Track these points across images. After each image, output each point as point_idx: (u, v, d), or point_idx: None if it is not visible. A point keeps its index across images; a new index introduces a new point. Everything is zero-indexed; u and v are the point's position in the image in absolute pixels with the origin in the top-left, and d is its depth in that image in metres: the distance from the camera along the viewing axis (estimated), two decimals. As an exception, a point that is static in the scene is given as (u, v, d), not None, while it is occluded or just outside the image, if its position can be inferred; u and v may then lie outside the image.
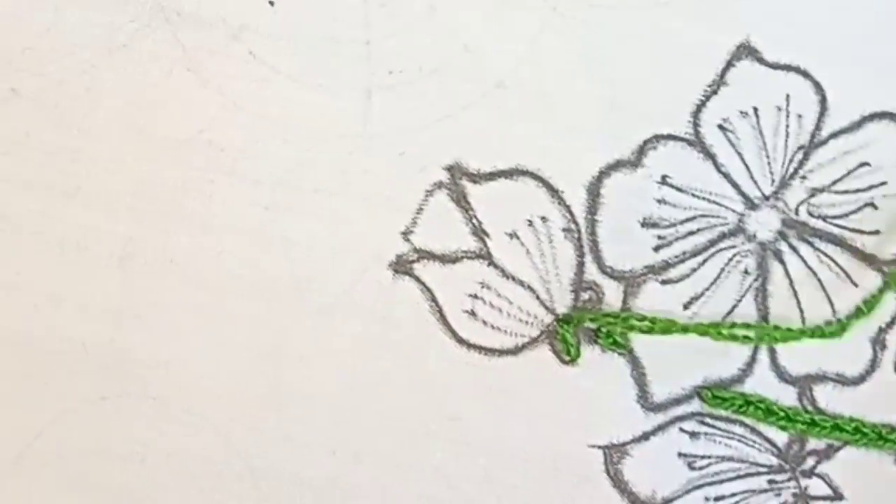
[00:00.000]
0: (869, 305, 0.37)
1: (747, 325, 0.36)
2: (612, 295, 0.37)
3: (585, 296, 0.37)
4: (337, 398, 0.37)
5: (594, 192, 0.37)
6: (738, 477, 0.38)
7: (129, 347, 0.37)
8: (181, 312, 0.37)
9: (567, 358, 0.37)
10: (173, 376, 0.37)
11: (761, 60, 0.37)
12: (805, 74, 0.37)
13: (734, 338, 0.36)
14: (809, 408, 0.38)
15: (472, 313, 0.37)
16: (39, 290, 0.36)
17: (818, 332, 0.37)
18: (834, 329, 0.37)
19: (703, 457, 0.38)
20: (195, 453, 0.37)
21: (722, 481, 0.38)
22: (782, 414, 0.38)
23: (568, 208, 0.37)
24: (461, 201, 0.36)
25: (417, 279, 0.37)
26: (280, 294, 0.36)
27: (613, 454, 0.38)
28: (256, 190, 0.36)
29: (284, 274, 0.36)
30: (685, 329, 0.36)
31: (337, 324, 0.37)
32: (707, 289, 0.37)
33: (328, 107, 0.36)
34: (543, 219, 0.37)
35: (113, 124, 0.36)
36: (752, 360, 0.38)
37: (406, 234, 0.36)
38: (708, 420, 0.38)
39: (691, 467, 0.38)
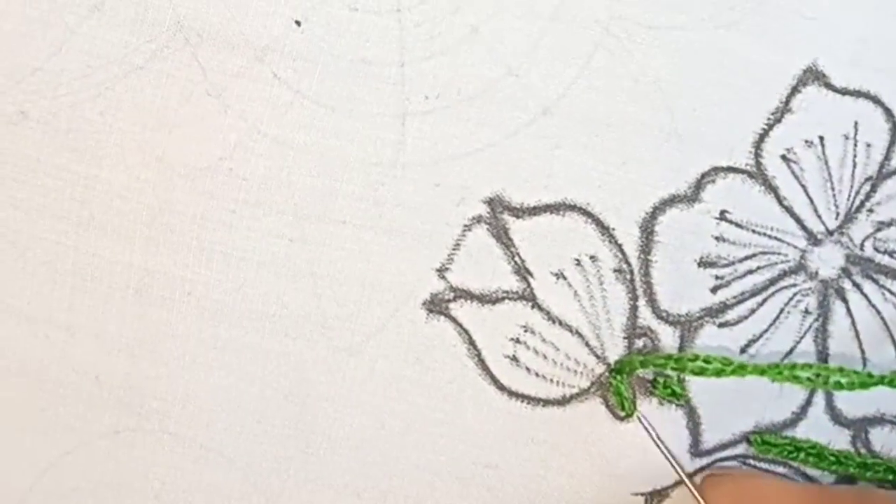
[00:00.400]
0: None
1: (808, 366, 0.34)
2: (668, 341, 0.35)
3: (640, 343, 0.35)
4: (365, 440, 0.35)
5: (648, 229, 0.34)
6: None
7: (144, 381, 0.35)
8: (199, 346, 0.35)
9: (622, 413, 0.34)
10: (191, 411, 0.35)
11: (829, 86, 0.34)
12: (875, 100, 0.35)
13: (794, 378, 0.33)
14: (863, 451, 0.36)
15: (514, 359, 0.35)
16: (52, 321, 0.35)
17: (880, 380, 0.34)
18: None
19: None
20: (212, 490, 0.36)
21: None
22: (833, 458, 0.36)
23: (619, 247, 0.34)
24: (502, 237, 0.34)
25: (454, 320, 0.34)
26: (306, 331, 0.35)
27: (654, 498, 0.36)
28: (281, 221, 0.34)
29: (311, 310, 0.34)
30: (742, 368, 0.33)
31: (367, 364, 0.35)
32: (765, 330, 0.35)
33: (358, 133, 0.33)
34: (593, 258, 0.34)
35: (128, 150, 0.33)
36: (808, 403, 0.36)
37: (442, 272, 0.34)
38: (751, 462, 0.36)
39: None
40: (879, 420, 0.36)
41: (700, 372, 0.33)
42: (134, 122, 0.33)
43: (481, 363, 0.35)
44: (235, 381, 0.35)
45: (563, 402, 0.35)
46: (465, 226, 0.34)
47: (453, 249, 0.34)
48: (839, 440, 0.36)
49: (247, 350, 0.35)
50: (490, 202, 0.34)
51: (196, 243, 0.34)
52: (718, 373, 0.33)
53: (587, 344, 0.35)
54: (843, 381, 0.34)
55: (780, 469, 0.36)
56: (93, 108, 0.33)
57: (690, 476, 0.35)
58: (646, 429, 0.34)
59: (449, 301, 0.34)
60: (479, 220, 0.34)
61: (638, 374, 0.34)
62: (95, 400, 0.35)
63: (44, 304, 0.34)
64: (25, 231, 0.34)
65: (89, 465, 0.36)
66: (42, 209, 0.34)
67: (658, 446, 0.34)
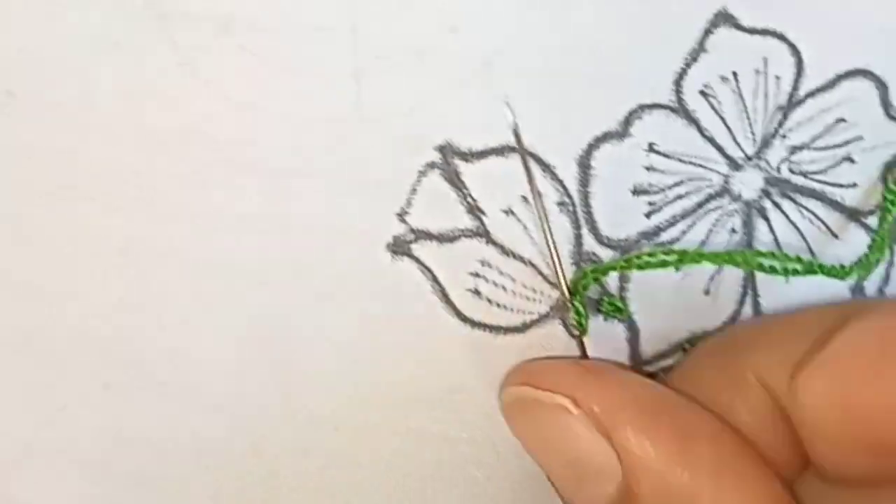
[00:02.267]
0: (878, 244, 0.37)
1: (773, 255, 0.36)
2: (611, 263, 0.38)
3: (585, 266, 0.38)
4: (339, 376, 0.38)
5: (585, 164, 0.37)
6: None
7: (132, 337, 0.37)
8: (184, 301, 0.37)
9: (577, 332, 0.37)
10: (178, 362, 0.37)
11: (738, 26, 0.38)
12: (781, 37, 0.38)
13: (760, 267, 0.36)
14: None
15: (476, 292, 0.37)
16: (43, 286, 0.37)
17: (833, 271, 0.37)
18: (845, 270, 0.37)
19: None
20: (201, 434, 0.38)
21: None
22: None
23: (560, 182, 0.37)
24: (455, 180, 0.37)
25: (416, 259, 0.37)
26: (281, 280, 0.37)
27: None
28: (252, 179, 0.36)
29: (284, 259, 0.37)
30: (685, 256, 0.36)
31: (338, 305, 0.37)
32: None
33: (318, 93, 0.36)
34: (538, 193, 0.37)
35: (109, 122, 0.36)
36: (737, 314, 0.39)
37: (402, 216, 0.37)
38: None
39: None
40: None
41: (646, 266, 0.36)
42: (113, 95, 0.35)
43: (445, 297, 0.37)
44: (218, 331, 0.37)
45: (522, 328, 0.38)
46: (420, 172, 0.37)
47: (411, 194, 0.37)
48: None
49: (227, 301, 0.37)
50: (441, 149, 0.37)
51: (176, 204, 0.36)
52: (693, 260, 0.36)
53: (540, 272, 0.38)
54: (799, 267, 0.36)
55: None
56: (74, 85, 0.35)
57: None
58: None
59: (411, 242, 0.37)
60: (432, 165, 0.37)
61: (587, 295, 0.38)
62: (86, 356, 0.37)
63: (34, 271, 0.37)
64: (15, 201, 0.36)
65: (83, 421, 0.38)
66: (30, 181, 0.36)
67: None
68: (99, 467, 0.38)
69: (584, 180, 0.37)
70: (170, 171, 0.36)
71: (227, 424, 0.38)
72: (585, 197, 0.37)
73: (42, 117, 0.36)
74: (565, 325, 0.38)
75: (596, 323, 0.38)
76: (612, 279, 0.38)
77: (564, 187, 0.37)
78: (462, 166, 0.37)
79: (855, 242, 0.39)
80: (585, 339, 0.38)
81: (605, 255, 0.38)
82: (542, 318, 0.38)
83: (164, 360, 0.38)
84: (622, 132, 0.37)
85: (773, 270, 0.36)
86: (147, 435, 0.38)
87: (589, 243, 0.38)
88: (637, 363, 0.39)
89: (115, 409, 0.38)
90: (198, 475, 0.39)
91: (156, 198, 0.36)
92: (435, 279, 0.37)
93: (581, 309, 0.37)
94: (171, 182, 0.36)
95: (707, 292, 0.39)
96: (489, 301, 0.38)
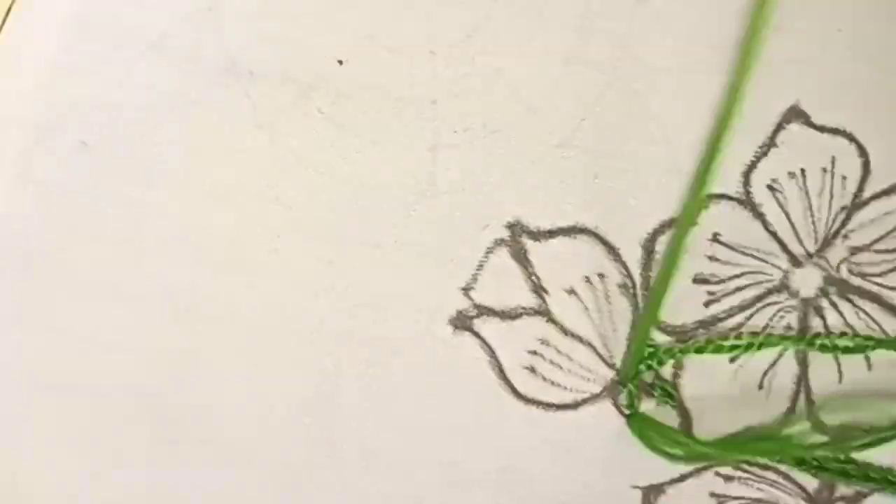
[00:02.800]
0: None
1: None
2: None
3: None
4: (394, 449, 0.38)
5: (649, 248, 0.37)
6: (767, 518, 0.40)
7: (184, 394, 0.37)
8: (238, 362, 0.37)
9: (628, 412, 0.37)
10: (231, 423, 0.38)
11: (809, 123, 0.38)
12: (850, 138, 0.38)
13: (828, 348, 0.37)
14: (841, 457, 0.39)
15: (532, 369, 0.37)
16: (100, 339, 0.37)
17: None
18: None
19: (734, 497, 0.39)
20: (245, 497, 0.38)
21: (750, 522, 0.40)
22: (815, 462, 0.39)
23: (624, 264, 0.37)
24: (521, 258, 0.37)
25: (477, 335, 0.37)
26: (338, 347, 0.37)
27: (651, 494, 0.39)
28: (321, 245, 0.37)
29: (346, 327, 0.37)
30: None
31: (396, 377, 0.37)
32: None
33: (394, 163, 0.36)
34: (601, 275, 0.37)
35: (181, 179, 0.36)
36: (791, 410, 0.39)
37: (466, 290, 0.37)
38: (743, 465, 0.39)
39: (722, 505, 0.39)
40: (854, 428, 0.39)
41: (700, 350, 0.37)
42: (187, 151, 0.36)
43: (502, 374, 0.37)
44: (273, 394, 0.37)
45: (574, 405, 0.38)
46: (489, 248, 0.37)
47: (477, 270, 0.37)
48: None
49: (284, 365, 0.37)
50: (511, 226, 0.37)
51: (241, 265, 0.36)
52: (718, 349, 0.37)
53: (597, 353, 0.38)
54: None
55: (769, 473, 0.40)
56: (150, 140, 0.36)
57: (685, 477, 0.39)
58: None
59: (473, 317, 0.37)
60: (500, 242, 0.37)
61: (641, 379, 0.37)
62: (140, 413, 0.37)
63: (94, 321, 0.37)
64: (81, 252, 0.36)
65: (131, 477, 0.38)
66: (97, 231, 0.36)
67: None
68: None
69: (647, 264, 0.37)
70: (238, 230, 0.36)
71: (277, 493, 0.38)
72: (647, 280, 0.37)
73: (113, 170, 0.36)
74: (616, 406, 0.38)
75: (647, 406, 0.38)
76: (666, 366, 0.38)
77: (627, 269, 0.37)
78: (529, 245, 0.37)
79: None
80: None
81: (662, 340, 0.38)
82: (594, 397, 0.38)
83: (211, 420, 0.38)
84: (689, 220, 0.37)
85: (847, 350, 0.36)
86: (194, 496, 0.38)
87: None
88: (693, 453, 0.39)
89: (163, 468, 0.38)
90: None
91: (220, 258, 0.36)
92: (493, 355, 0.37)
93: (633, 390, 0.37)
94: (240, 243, 0.36)
95: (761, 386, 0.39)
96: (544, 379, 0.38)
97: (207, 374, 0.37)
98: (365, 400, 0.37)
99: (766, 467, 0.39)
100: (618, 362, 0.38)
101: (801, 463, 0.39)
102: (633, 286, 0.38)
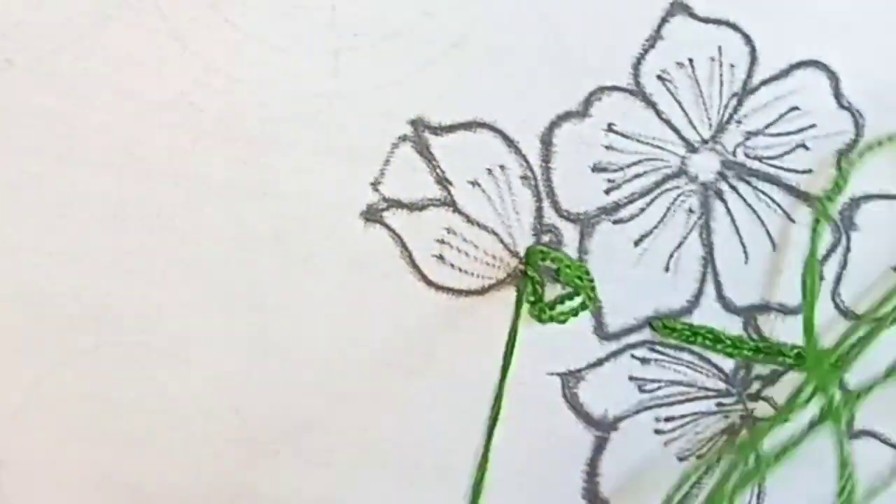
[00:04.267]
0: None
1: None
2: (569, 236, 0.40)
3: (545, 238, 0.40)
4: (318, 341, 0.40)
5: (547, 141, 0.39)
6: (687, 400, 0.41)
7: (121, 299, 0.39)
8: (169, 265, 0.39)
9: (532, 299, 0.39)
10: (163, 325, 0.40)
11: (693, 15, 0.40)
12: (735, 27, 0.40)
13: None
14: (755, 336, 0.41)
15: (440, 257, 0.40)
16: (36, 247, 0.39)
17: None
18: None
19: (652, 381, 0.41)
20: (185, 397, 0.40)
21: (671, 403, 0.41)
22: (729, 342, 0.41)
23: (524, 157, 0.39)
24: (425, 152, 0.39)
25: (387, 226, 0.39)
26: (261, 245, 0.39)
27: (570, 380, 0.41)
28: (235, 147, 0.38)
29: (265, 226, 0.39)
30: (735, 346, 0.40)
31: (315, 271, 0.39)
32: (655, 227, 0.40)
33: (299, 68, 0.38)
34: (502, 167, 0.39)
35: (102, 90, 0.38)
36: (700, 292, 0.41)
37: (375, 185, 0.39)
38: (658, 347, 0.41)
39: (641, 390, 0.41)
40: (765, 307, 0.41)
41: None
42: (106, 64, 0.38)
43: (412, 262, 0.39)
44: (202, 295, 0.39)
45: (482, 291, 0.40)
46: (394, 144, 0.39)
47: (384, 165, 0.39)
48: (732, 327, 0.41)
49: (211, 267, 0.39)
50: (413, 123, 0.39)
51: (163, 170, 0.38)
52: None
53: (502, 241, 0.40)
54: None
55: (684, 355, 0.41)
56: (69, 54, 0.38)
57: (602, 361, 0.41)
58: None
59: (383, 210, 0.39)
60: (404, 138, 0.39)
61: (544, 264, 0.39)
62: (76, 318, 0.39)
63: (28, 232, 0.39)
64: (12, 165, 0.38)
65: (74, 380, 0.40)
66: (27, 146, 0.38)
67: None
68: (86, 429, 0.40)
69: (547, 156, 0.39)
70: (158, 138, 0.38)
71: (211, 388, 0.40)
72: (547, 172, 0.39)
73: (39, 84, 0.38)
74: (520, 293, 0.40)
75: (554, 291, 0.40)
76: (571, 250, 0.40)
77: (527, 162, 0.39)
78: (432, 139, 0.39)
79: (810, 226, 0.41)
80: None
81: (564, 227, 0.40)
82: (499, 283, 0.40)
83: (148, 322, 0.40)
84: (583, 112, 0.39)
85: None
86: (132, 397, 0.40)
87: (549, 216, 0.40)
88: (604, 335, 0.41)
89: (101, 372, 0.40)
90: (179, 436, 0.40)
91: (144, 164, 0.38)
92: (404, 245, 0.39)
93: (537, 277, 0.39)
94: (160, 149, 0.38)
95: (667, 269, 0.40)
96: (452, 266, 0.40)
97: (143, 279, 0.39)
98: (288, 296, 0.39)
99: (679, 348, 0.41)
100: (521, 251, 0.40)
101: (716, 342, 0.40)
102: (534, 177, 0.40)
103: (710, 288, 0.41)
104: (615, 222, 0.40)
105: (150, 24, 0.38)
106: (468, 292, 0.40)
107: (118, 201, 0.39)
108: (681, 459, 0.42)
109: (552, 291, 0.40)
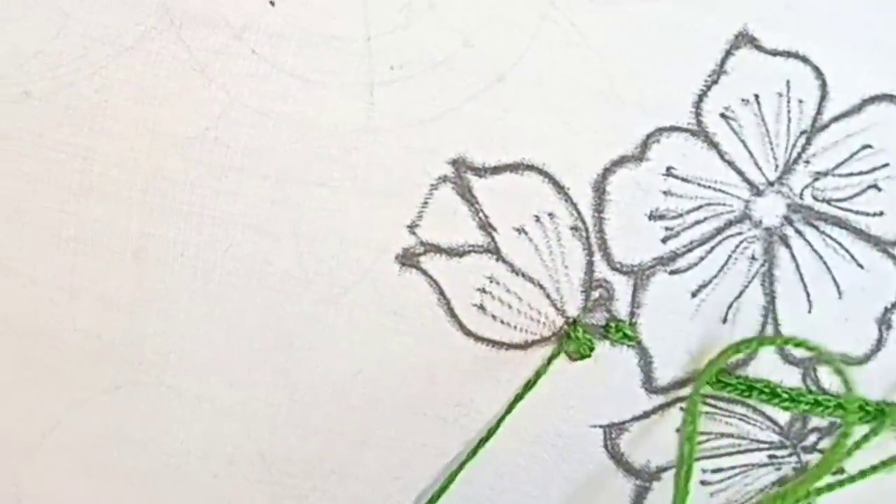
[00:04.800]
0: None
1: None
2: (622, 289, 0.37)
3: (595, 293, 0.37)
4: (346, 386, 0.38)
5: (600, 189, 0.37)
6: (738, 452, 0.39)
7: (143, 338, 0.38)
8: (192, 304, 0.37)
9: (577, 356, 0.37)
10: (187, 365, 0.38)
11: (760, 48, 0.37)
12: (804, 60, 0.37)
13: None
14: (813, 388, 0.39)
15: (481, 307, 0.37)
16: (56, 284, 0.37)
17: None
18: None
19: (702, 433, 0.39)
20: (209, 439, 0.39)
21: (720, 455, 0.39)
22: (786, 396, 0.38)
23: (575, 206, 0.37)
24: (466, 195, 0.37)
25: (424, 272, 0.37)
26: (290, 286, 0.37)
27: (613, 431, 0.39)
28: (264, 185, 0.36)
29: (294, 267, 0.37)
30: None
31: (345, 314, 0.37)
32: (714, 276, 0.38)
33: (331, 102, 0.36)
34: (551, 215, 0.37)
35: (123, 124, 0.36)
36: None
37: (412, 228, 0.37)
38: (710, 400, 0.39)
39: (689, 443, 0.39)
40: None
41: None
42: (127, 97, 0.36)
43: (450, 311, 0.37)
44: (226, 335, 0.37)
45: (524, 346, 0.38)
46: (432, 185, 0.37)
47: (422, 207, 0.37)
48: (790, 379, 0.39)
49: (236, 306, 0.37)
50: (454, 163, 0.36)
51: (186, 208, 0.36)
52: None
53: (548, 296, 0.37)
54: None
55: (737, 407, 0.39)
56: (89, 86, 0.36)
57: (648, 413, 0.38)
58: None
59: (419, 255, 0.37)
60: (444, 179, 0.37)
61: (592, 321, 0.37)
62: (97, 357, 0.38)
63: (48, 268, 0.37)
64: (31, 200, 0.36)
65: (94, 420, 0.38)
66: (46, 180, 0.36)
67: None
68: (106, 468, 0.39)
69: (599, 205, 0.37)
70: (182, 174, 0.36)
71: (236, 430, 0.38)
72: (599, 222, 0.37)
73: (57, 117, 0.36)
74: (566, 352, 0.38)
75: (603, 349, 0.38)
76: (623, 304, 0.37)
77: (578, 211, 0.37)
78: (474, 181, 0.37)
79: (879, 272, 0.38)
80: (589, 363, 0.37)
81: (617, 280, 0.37)
82: (543, 340, 0.38)
83: (173, 362, 0.38)
84: (639, 156, 0.37)
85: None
86: (154, 438, 0.39)
87: (601, 269, 0.37)
88: (653, 389, 0.38)
89: (123, 411, 0.38)
90: (204, 480, 0.39)
91: (168, 201, 0.37)
92: (441, 292, 0.37)
93: (582, 337, 0.36)
94: (183, 186, 0.36)
95: (725, 320, 0.38)
96: (493, 317, 0.37)
97: (163, 318, 0.37)
98: (315, 339, 0.38)
99: (732, 401, 0.38)
100: (569, 308, 0.37)
101: (772, 396, 0.38)
102: (585, 228, 0.37)
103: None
104: (672, 273, 0.38)
105: (173, 56, 0.36)
106: (509, 346, 0.37)
107: (139, 238, 0.37)
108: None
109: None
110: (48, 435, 0.38)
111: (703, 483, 0.40)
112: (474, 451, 0.38)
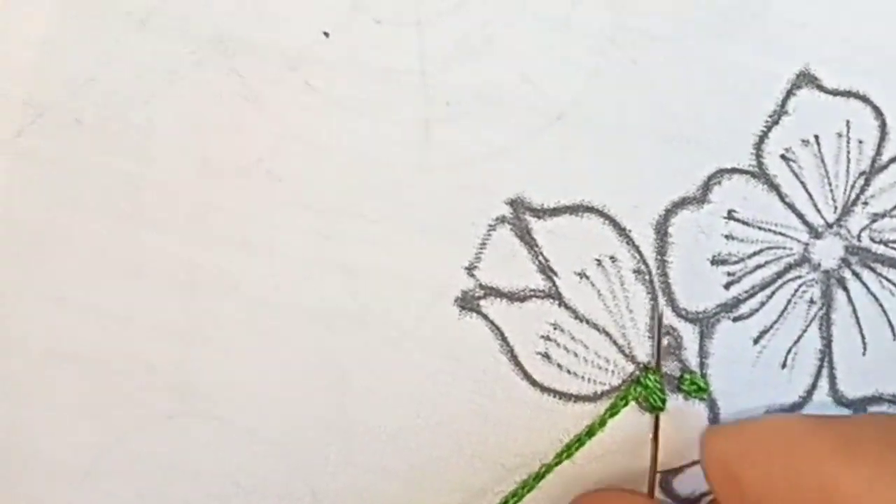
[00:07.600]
0: None
1: None
2: (689, 337, 0.36)
3: (664, 341, 0.36)
4: (402, 430, 0.36)
5: (662, 231, 0.36)
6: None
7: (195, 368, 0.36)
8: (245, 337, 0.36)
9: (651, 408, 0.36)
10: (238, 398, 0.36)
11: (821, 87, 0.36)
12: (865, 100, 0.37)
13: None
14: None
15: (546, 356, 0.36)
16: (108, 312, 0.36)
17: None
18: None
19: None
20: (258, 474, 0.37)
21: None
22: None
23: (637, 248, 0.36)
24: (525, 237, 0.35)
25: (485, 317, 0.35)
26: (344, 323, 0.36)
27: (670, 476, 0.37)
28: (316, 219, 0.35)
29: (347, 303, 0.36)
30: None
31: (403, 357, 0.36)
32: (775, 321, 0.37)
33: (386, 137, 0.35)
34: (613, 258, 0.36)
35: (174, 153, 0.35)
36: (813, 386, 0.37)
37: (470, 270, 0.35)
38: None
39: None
40: (877, 399, 0.37)
41: None
42: (178, 126, 0.35)
43: (514, 359, 0.35)
44: (279, 370, 0.36)
45: (594, 398, 0.36)
46: (490, 225, 0.35)
47: (480, 248, 0.35)
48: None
49: (289, 341, 0.36)
50: (512, 203, 0.35)
51: (239, 239, 0.35)
52: None
53: (615, 342, 0.36)
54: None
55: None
56: (141, 114, 0.35)
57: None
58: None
59: (479, 298, 0.35)
60: (502, 220, 0.35)
61: (665, 372, 0.36)
62: (149, 386, 0.36)
63: (99, 295, 0.36)
64: (81, 227, 0.35)
65: (144, 449, 0.36)
66: (96, 207, 0.35)
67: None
68: (154, 498, 0.37)
69: (662, 248, 0.36)
70: (233, 205, 0.35)
71: (286, 466, 0.37)
72: (663, 265, 0.36)
73: (108, 145, 0.35)
74: (638, 402, 0.36)
75: (675, 402, 0.36)
76: (692, 354, 0.36)
77: (640, 254, 0.36)
78: (533, 222, 0.35)
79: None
80: (662, 417, 0.36)
81: (683, 327, 0.36)
82: (614, 390, 0.36)
83: (224, 395, 0.36)
84: (701, 197, 0.36)
85: None
86: (204, 469, 0.37)
87: (666, 315, 0.36)
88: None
89: (174, 441, 0.37)
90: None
91: (219, 231, 0.35)
92: (504, 338, 0.35)
93: (658, 387, 0.35)
94: (235, 217, 0.35)
95: (784, 365, 0.37)
96: (559, 367, 0.36)
97: (217, 349, 0.36)
98: (372, 381, 0.36)
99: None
100: (637, 354, 0.36)
101: None
102: (648, 271, 0.36)
103: (823, 381, 0.37)
104: (735, 319, 0.36)
105: (225, 85, 0.34)
106: (577, 397, 0.36)
107: (189, 267, 0.36)
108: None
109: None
110: (98, 462, 0.37)
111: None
112: (528, 490, 0.36)
